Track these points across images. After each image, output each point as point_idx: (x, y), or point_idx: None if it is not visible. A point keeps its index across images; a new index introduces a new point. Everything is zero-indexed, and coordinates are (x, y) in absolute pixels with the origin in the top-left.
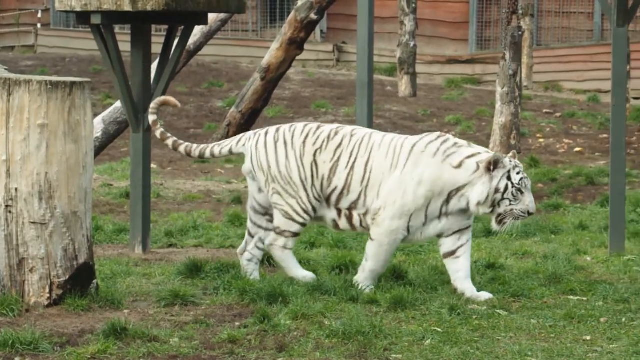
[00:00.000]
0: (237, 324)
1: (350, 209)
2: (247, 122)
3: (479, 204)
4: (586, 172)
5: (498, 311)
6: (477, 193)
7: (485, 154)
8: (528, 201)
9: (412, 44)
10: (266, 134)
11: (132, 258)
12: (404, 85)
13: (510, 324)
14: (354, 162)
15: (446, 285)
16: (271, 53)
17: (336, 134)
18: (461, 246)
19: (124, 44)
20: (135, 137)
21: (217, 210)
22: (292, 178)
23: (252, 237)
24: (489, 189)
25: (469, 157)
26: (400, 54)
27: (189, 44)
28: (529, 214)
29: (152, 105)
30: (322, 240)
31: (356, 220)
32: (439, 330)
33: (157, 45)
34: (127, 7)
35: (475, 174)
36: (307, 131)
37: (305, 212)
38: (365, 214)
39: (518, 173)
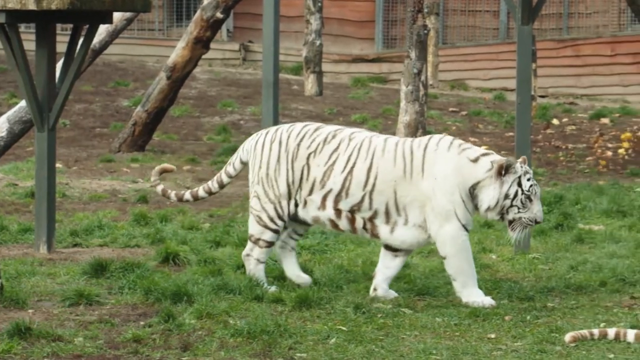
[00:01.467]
0: (141, 323)
1: (352, 211)
2: (153, 121)
3: (488, 209)
4: None
5: (403, 310)
6: (488, 197)
7: (497, 156)
8: (536, 210)
9: (318, 42)
10: (266, 133)
11: (36, 258)
12: (310, 84)
13: (415, 323)
14: (352, 167)
15: (351, 284)
16: (177, 52)
17: (333, 137)
18: (405, 249)
19: (29, 43)
20: (40, 137)
21: (122, 209)
22: (277, 181)
23: (286, 227)
24: (499, 194)
25: (484, 154)
26: (306, 53)
27: (94, 42)
28: (537, 222)
29: (153, 178)
30: (227, 239)
31: (359, 223)
32: (344, 329)
33: (62, 44)
34: (32, 6)
35: (489, 173)
36: (304, 133)
37: (280, 218)
38: (372, 218)
39: (528, 180)
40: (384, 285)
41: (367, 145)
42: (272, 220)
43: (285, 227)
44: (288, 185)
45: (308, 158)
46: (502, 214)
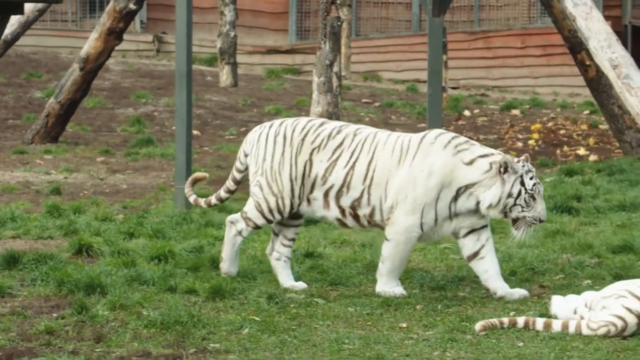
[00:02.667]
0: (54, 315)
1: (353, 207)
2: (66, 112)
3: (490, 206)
4: None
5: (316, 299)
6: (489, 195)
7: (499, 156)
8: (540, 208)
9: (232, 34)
10: (270, 126)
11: None
12: (224, 76)
13: (327, 312)
14: (355, 161)
15: (265, 275)
16: (90, 43)
17: (338, 132)
18: (483, 246)
19: None
20: None
21: (35, 201)
22: (281, 176)
23: (277, 235)
24: (502, 193)
25: (481, 156)
26: (220, 44)
27: (5, 34)
28: (540, 221)
29: (187, 189)
30: (140, 230)
31: (362, 220)
32: (257, 319)
33: None
34: None
35: (487, 174)
36: (309, 128)
37: (280, 212)
38: (370, 214)
39: (531, 178)
40: (500, 284)
41: (371, 140)
42: (271, 212)
43: (275, 233)
44: (291, 181)
45: (311, 153)
46: (505, 212)
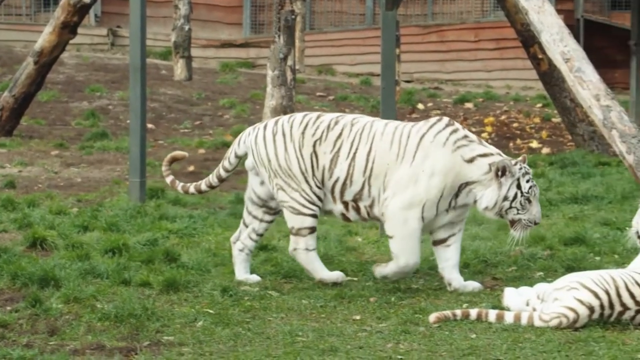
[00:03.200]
0: (8, 308)
1: (355, 200)
2: (21, 106)
3: (486, 208)
4: None
5: (270, 292)
6: (486, 198)
7: (497, 157)
8: (535, 211)
9: (186, 27)
10: (265, 127)
11: None
12: (179, 69)
13: (281, 305)
14: (355, 153)
15: (219, 267)
16: (44, 37)
17: (336, 123)
18: (452, 235)
19: None
20: None
21: None
22: (292, 170)
23: (247, 226)
24: (498, 196)
25: (482, 155)
26: (175, 38)
27: None
28: (535, 223)
29: (164, 168)
30: (95, 223)
31: (363, 212)
32: (211, 311)
33: None
34: None
35: (487, 176)
36: (306, 122)
37: (312, 202)
38: (370, 206)
39: (528, 181)
40: (456, 276)
41: (368, 130)
42: (303, 206)
43: (245, 225)
44: (302, 173)
45: (314, 145)
46: (501, 214)
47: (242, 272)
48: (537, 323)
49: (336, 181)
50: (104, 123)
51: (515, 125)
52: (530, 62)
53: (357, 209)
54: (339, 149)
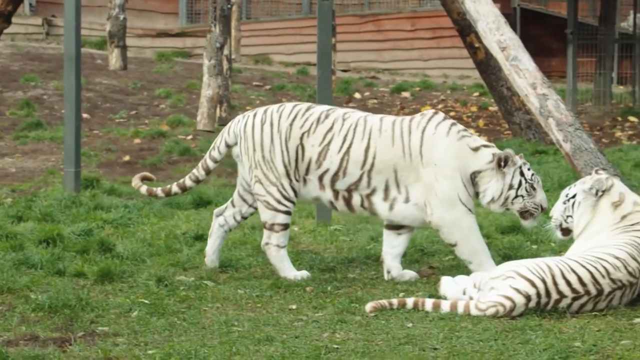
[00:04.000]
0: None
1: (349, 190)
2: None
3: (492, 200)
4: None
5: (205, 282)
6: (491, 190)
7: (495, 148)
8: (541, 196)
9: (121, 17)
10: (254, 115)
11: None
12: (114, 59)
13: (217, 295)
14: (349, 147)
15: (154, 257)
16: None
17: (327, 116)
18: (408, 225)
19: None
20: None
21: None
22: (274, 163)
23: (234, 207)
24: (503, 186)
25: (485, 146)
26: (109, 27)
27: None
28: (542, 208)
29: (134, 182)
30: (29, 214)
31: (356, 201)
32: (146, 302)
33: None
34: None
35: (490, 165)
36: (296, 112)
37: (287, 199)
38: (369, 195)
39: (529, 169)
40: (396, 265)
41: (363, 126)
42: (279, 202)
43: (233, 205)
44: (285, 166)
45: (302, 138)
46: (507, 205)
47: (213, 248)
48: (474, 312)
49: (325, 172)
50: (38, 113)
51: (452, 114)
52: (467, 51)
53: (348, 199)
54: (329, 142)
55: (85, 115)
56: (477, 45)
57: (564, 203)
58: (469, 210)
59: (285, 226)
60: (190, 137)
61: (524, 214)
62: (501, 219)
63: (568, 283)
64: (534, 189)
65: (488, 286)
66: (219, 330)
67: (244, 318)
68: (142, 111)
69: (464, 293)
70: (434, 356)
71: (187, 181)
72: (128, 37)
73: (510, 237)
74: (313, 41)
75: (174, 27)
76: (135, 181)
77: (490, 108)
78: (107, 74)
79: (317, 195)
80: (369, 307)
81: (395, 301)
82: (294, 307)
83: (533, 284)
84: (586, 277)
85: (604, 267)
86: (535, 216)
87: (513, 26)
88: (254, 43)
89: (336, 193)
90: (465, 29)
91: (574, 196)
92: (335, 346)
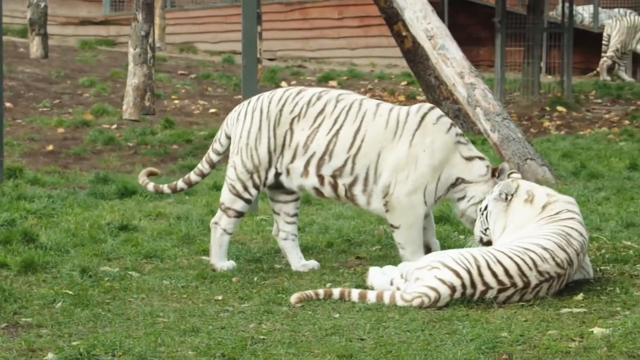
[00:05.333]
0: None
1: (334, 176)
2: None
3: (473, 207)
4: None
5: (130, 273)
6: (478, 199)
7: (487, 162)
8: None
9: (42, 4)
10: (248, 103)
11: None
12: (35, 47)
13: (142, 285)
14: (339, 129)
15: (78, 248)
16: None
17: (318, 99)
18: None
19: None
20: None
21: None
22: (257, 150)
23: (278, 214)
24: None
25: (480, 157)
26: (30, 15)
27: None
28: None
29: (141, 180)
30: None
31: (341, 189)
32: (70, 293)
33: None
34: None
35: (483, 178)
36: (286, 98)
37: (256, 187)
38: (351, 184)
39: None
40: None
41: (357, 108)
42: (246, 189)
43: (276, 213)
44: (269, 153)
45: (291, 123)
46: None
47: (296, 259)
48: (400, 302)
49: (312, 156)
50: None
51: None
52: (394, 40)
53: (335, 186)
54: (320, 125)
55: (7, 104)
56: (404, 34)
57: (479, 218)
58: (424, 204)
59: (240, 214)
60: (114, 126)
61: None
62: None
63: (494, 274)
64: None
65: (414, 276)
66: (144, 321)
67: (169, 309)
68: (66, 100)
69: (391, 283)
70: (361, 347)
71: (193, 176)
72: (51, 25)
73: (438, 228)
74: (239, 30)
75: (97, 15)
76: (142, 178)
77: (418, 97)
78: (29, 62)
79: (300, 184)
80: (294, 297)
81: (321, 291)
82: (220, 297)
83: (458, 275)
84: (513, 269)
85: (531, 259)
86: None
87: (441, 15)
88: (179, 31)
89: (322, 178)
90: (392, 18)
91: (486, 207)
92: (262, 337)
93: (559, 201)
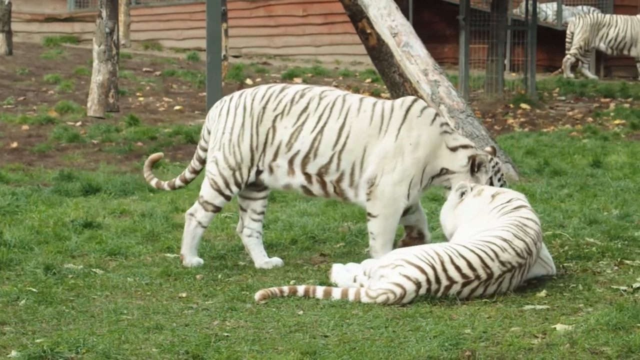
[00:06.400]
0: None
1: (320, 174)
2: None
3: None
4: (185, 130)
5: (94, 270)
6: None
7: (474, 149)
8: None
9: (7, 1)
10: (231, 99)
11: None
12: None
13: (106, 283)
14: (323, 126)
15: (42, 245)
16: None
17: (301, 96)
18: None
19: None
20: None
21: None
22: (240, 147)
23: (245, 210)
24: None
25: (463, 146)
26: None
27: None
28: None
29: (146, 173)
30: None
31: (329, 187)
32: (34, 290)
33: None
34: None
35: (464, 168)
36: (269, 95)
37: (237, 184)
38: (338, 180)
39: (499, 180)
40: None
41: (341, 104)
42: (227, 186)
43: (243, 209)
44: (252, 151)
45: (274, 120)
46: None
47: (260, 257)
48: (365, 299)
49: (296, 154)
50: None
51: None
52: (358, 37)
53: (323, 184)
54: (304, 122)
55: None
56: (368, 31)
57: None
58: (407, 197)
59: (218, 209)
60: (79, 123)
61: None
62: None
63: (457, 268)
64: None
65: (378, 274)
66: (108, 318)
67: (133, 306)
68: (30, 97)
69: (355, 280)
70: (324, 344)
71: (187, 174)
72: (16, 22)
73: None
74: (203, 27)
75: (62, 11)
76: (147, 172)
77: (383, 95)
78: None
79: (286, 182)
80: (258, 294)
81: (286, 288)
82: (184, 295)
83: (422, 271)
84: (475, 262)
85: (492, 250)
86: None
87: (405, 12)
88: (143, 28)
89: (309, 177)
90: (356, 15)
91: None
92: (226, 334)
93: (508, 192)
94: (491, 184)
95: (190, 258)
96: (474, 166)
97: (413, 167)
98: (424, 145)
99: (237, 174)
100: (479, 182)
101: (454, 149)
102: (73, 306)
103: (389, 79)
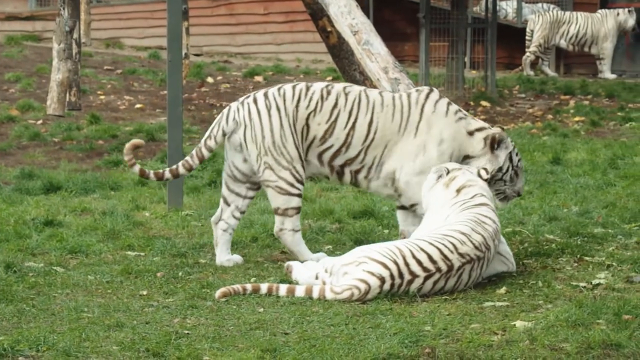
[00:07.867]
0: None
1: (343, 165)
2: None
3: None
4: (147, 128)
5: (55, 268)
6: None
7: (489, 129)
8: (520, 184)
9: None
10: (255, 101)
11: None
12: None
13: (67, 281)
14: (354, 122)
15: (3, 244)
16: None
17: (329, 93)
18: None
19: None
20: None
21: None
22: (286, 147)
23: (229, 205)
24: (493, 168)
25: (478, 129)
26: None
27: None
28: (519, 195)
29: (127, 157)
30: None
31: (347, 177)
32: None
33: None
34: None
35: (483, 150)
36: (299, 93)
37: (300, 181)
38: (357, 171)
39: (517, 154)
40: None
41: (366, 100)
42: (292, 185)
43: (227, 203)
44: (297, 148)
45: (307, 118)
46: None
47: (224, 253)
48: (329, 295)
49: (328, 148)
50: None
51: None
52: (319, 35)
53: (341, 174)
54: (336, 118)
55: None
56: (329, 29)
57: None
58: None
59: (298, 210)
60: (40, 122)
61: (500, 195)
62: (353, 204)
63: (419, 262)
64: (517, 175)
65: (341, 272)
66: (69, 316)
67: (94, 304)
68: None
69: (317, 278)
70: (285, 341)
71: (181, 169)
72: None
73: (362, 222)
74: (165, 25)
75: (23, 10)
76: (128, 157)
77: None
78: None
79: (313, 173)
80: (218, 293)
81: (249, 286)
82: (144, 293)
83: (386, 266)
84: (435, 255)
85: (451, 243)
86: (510, 200)
87: (366, 10)
88: (105, 27)
89: (332, 168)
90: (317, 13)
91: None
92: (186, 332)
93: (476, 186)
94: (511, 159)
95: (310, 257)
96: (494, 143)
97: (438, 160)
98: (448, 139)
99: (294, 172)
100: (499, 158)
101: (471, 134)
102: (34, 304)
103: (349, 76)
